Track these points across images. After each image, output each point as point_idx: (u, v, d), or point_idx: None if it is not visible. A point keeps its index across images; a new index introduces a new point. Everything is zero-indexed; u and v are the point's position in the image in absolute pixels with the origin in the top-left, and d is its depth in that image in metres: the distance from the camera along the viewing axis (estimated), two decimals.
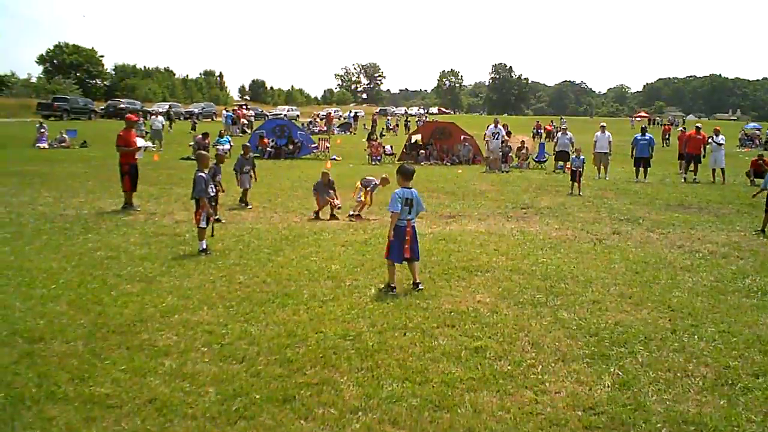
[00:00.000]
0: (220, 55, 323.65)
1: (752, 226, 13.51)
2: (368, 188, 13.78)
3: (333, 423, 4.56)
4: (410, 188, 8.09)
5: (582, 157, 18.81)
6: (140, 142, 14.41)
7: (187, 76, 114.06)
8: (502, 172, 23.85)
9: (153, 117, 34.64)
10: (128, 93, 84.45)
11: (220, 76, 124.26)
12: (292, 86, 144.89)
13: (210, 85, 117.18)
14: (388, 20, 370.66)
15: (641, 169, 22.28)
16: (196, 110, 66.37)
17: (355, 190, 14.17)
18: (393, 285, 7.94)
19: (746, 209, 15.97)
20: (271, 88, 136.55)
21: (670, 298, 7.89)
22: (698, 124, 26.22)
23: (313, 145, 29.87)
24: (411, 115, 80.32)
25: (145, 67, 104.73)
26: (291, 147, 28.28)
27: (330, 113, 57.35)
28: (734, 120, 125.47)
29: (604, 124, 24.09)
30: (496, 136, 24.14)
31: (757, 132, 57.23)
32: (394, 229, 7.97)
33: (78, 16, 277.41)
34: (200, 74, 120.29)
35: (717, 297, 8.06)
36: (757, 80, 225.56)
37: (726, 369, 5.70)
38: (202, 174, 9.95)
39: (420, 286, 7.98)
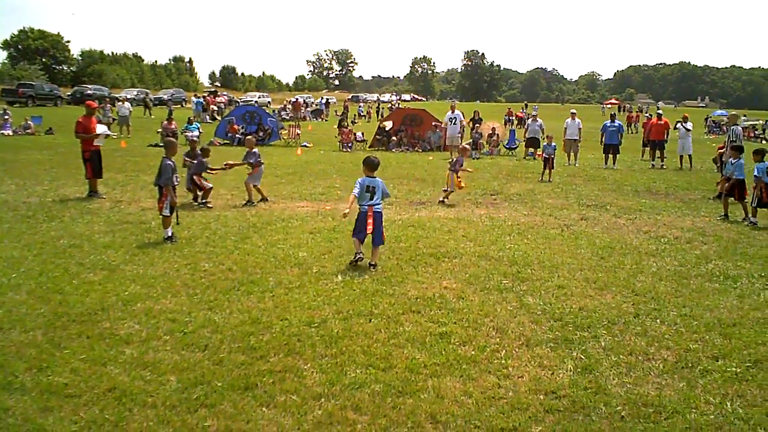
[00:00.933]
0: (190, 40, 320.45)
1: (717, 211, 13.71)
2: (455, 169, 14.03)
3: (295, 410, 4.53)
4: (374, 177, 8.71)
5: (554, 144, 18.92)
6: (100, 128, 14.09)
7: (156, 61, 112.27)
8: (474, 158, 23.86)
9: (119, 103, 34.03)
10: (95, 79, 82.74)
11: (190, 62, 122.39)
12: (264, 72, 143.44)
13: (179, 71, 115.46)
14: (360, 6, 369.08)
15: (610, 156, 22.48)
16: (166, 96, 65.46)
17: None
18: (358, 251, 8.50)
19: (712, 195, 16.20)
20: (242, 74, 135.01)
21: (635, 283, 7.98)
22: (659, 111, 26.52)
23: (283, 131, 29.70)
24: (383, 102, 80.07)
25: (112, 52, 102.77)
26: (261, 134, 28.03)
27: (298, 100, 56.69)
28: (703, 107, 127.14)
29: (575, 111, 24.25)
30: (454, 121, 24.06)
31: (724, 119, 58.14)
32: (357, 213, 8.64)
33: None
34: (169, 60, 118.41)
35: (680, 281, 8.17)
36: (725, 68, 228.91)
37: (686, 352, 5.78)
38: (170, 162, 9.77)
39: (374, 268, 8.33)
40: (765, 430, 4.38)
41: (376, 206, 8.57)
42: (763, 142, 42.04)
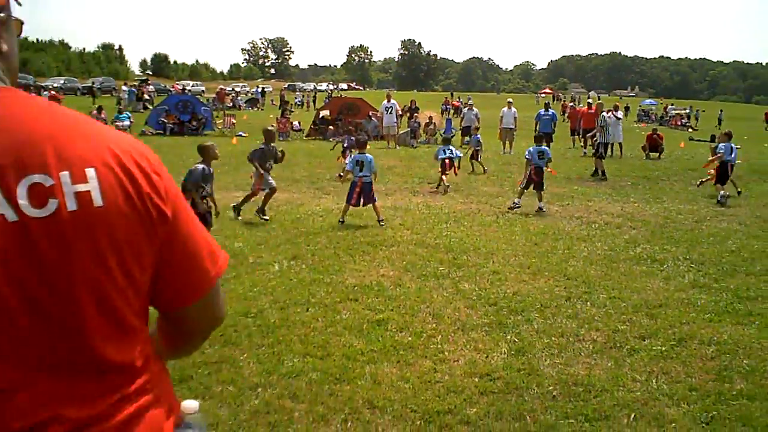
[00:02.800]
0: (120, 27, 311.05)
1: (645, 197, 14.20)
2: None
3: (231, 400, 4.50)
4: (364, 153, 10.82)
5: (478, 135, 19.14)
6: None
7: (84, 49, 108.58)
8: (412, 147, 23.97)
9: (44, 92, 32.88)
10: (20, 67, 79.59)
11: (120, 49, 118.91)
12: (197, 60, 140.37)
13: (109, 59, 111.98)
14: None
15: (544, 144, 22.89)
16: (96, 85, 63.52)
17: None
18: (341, 219, 10.48)
19: (641, 182, 16.77)
20: (175, 62, 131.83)
21: (566, 267, 8.19)
22: (589, 100, 27.23)
23: (217, 120, 29.27)
24: (320, 91, 79.56)
25: (38, 39, 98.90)
26: (195, 123, 27.52)
27: (222, 90, 54.99)
28: (633, 96, 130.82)
29: (511, 101, 24.60)
30: (389, 110, 24.16)
31: (652, 108, 60.11)
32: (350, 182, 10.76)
33: None
34: (98, 47, 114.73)
35: (610, 265, 8.43)
36: (654, 58, 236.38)
37: (615, 332, 5.98)
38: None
39: (381, 223, 10.36)
40: (687, 404, 4.58)
41: (365, 177, 10.46)
42: (690, 130, 43.67)
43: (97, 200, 1.19)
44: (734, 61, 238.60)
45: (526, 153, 12.70)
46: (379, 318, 6.16)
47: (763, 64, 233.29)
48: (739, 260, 8.81)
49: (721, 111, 53.47)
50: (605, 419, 4.35)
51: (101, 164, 1.22)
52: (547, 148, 13.55)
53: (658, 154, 22.78)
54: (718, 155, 14.15)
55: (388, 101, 24.20)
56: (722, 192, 13.76)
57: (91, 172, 1.20)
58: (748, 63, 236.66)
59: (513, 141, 23.56)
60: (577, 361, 5.30)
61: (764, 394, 4.77)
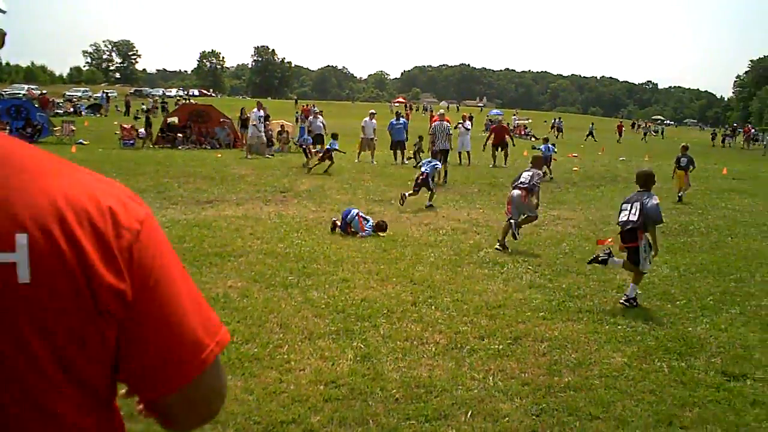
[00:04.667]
0: None
1: (490, 203, 14.89)
2: None
3: None
4: None
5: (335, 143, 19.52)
6: None
7: None
8: (266, 156, 23.71)
9: None
10: None
11: None
12: (32, 62, 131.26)
13: None
14: None
15: (398, 152, 23.44)
16: None
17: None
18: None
19: (486, 188, 17.58)
20: (8, 63, 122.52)
21: (414, 273, 8.42)
22: (441, 111, 28.25)
23: (55, 128, 27.47)
24: (170, 97, 76.98)
25: None
26: (29, 130, 25.66)
27: (45, 95, 50.44)
28: (481, 106, 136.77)
29: (374, 112, 24.96)
30: (261, 120, 23.93)
31: (499, 117, 63.14)
32: None
33: None
34: None
35: (454, 269, 8.76)
36: (501, 70, 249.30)
37: (457, 334, 6.22)
38: None
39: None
40: (520, 398, 4.85)
41: None
42: (533, 139, 46.27)
43: (23, 276, 0.96)
44: (572, 75, 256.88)
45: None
46: None
47: (598, 78, 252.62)
48: (571, 261, 9.45)
49: (592, 124, 57.45)
50: (444, 418, 4.52)
51: (37, 229, 0.97)
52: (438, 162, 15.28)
53: (504, 154, 23.93)
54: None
55: (259, 110, 23.92)
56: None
57: (21, 239, 0.96)
58: (584, 76, 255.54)
59: (374, 150, 23.87)
60: (420, 364, 5.46)
61: (589, 385, 5.15)
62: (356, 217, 10.76)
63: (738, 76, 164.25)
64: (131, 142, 25.67)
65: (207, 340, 1.13)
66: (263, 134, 23.86)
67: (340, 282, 7.84)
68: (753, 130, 65.60)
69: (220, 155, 23.35)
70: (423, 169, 14.13)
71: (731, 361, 5.77)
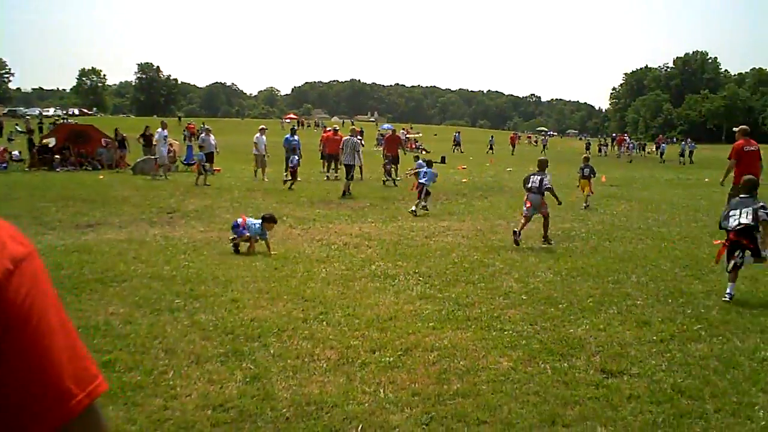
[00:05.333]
0: None
1: (382, 217, 15.03)
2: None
3: None
4: None
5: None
6: None
7: None
8: (158, 176, 22.94)
9: None
10: None
11: None
12: None
13: None
14: (15, 11, 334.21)
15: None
16: None
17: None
18: None
19: (378, 203, 17.75)
20: None
21: (305, 290, 8.35)
22: (336, 126, 28.36)
23: None
24: (47, 117, 73.37)
25: None
26: None
27: None
28: (373, 121, 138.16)
29: (265, 127, 24.63)
30: (166, 140, 23.26)
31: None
32: None
33: None
34: None
35: (346, 284, 8.76)
36: (391, 85, 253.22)
37: (348, 349, 6.20)
38: None
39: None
40: (410, 408, 4.89)
41: None
42: (424, 152, 47.18)
43: None
44: (460, 89, 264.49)
45: None
46: (105, 360, 5.75)
47: (485, 91, 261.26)
48: (460, 271, 9.66)
49: (492, 137, 59.02)
50: None
51: None
52: None
53: (395, 166, 24.25)
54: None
55: (164, 129, 23.16)
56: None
57: None
58: (472, 90, 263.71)
59: (266, 167, 23.57)
60: (311, 381, 5.40)
61: (477, 391, 5.26)
62: (239, 220, 10.91)
63: (614, 88, 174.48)
64: (4, 165, 24.26)
65: (75, 390, 1.07)
66: (166, 155, 23.15)
67: (229, 303, 7.67)
68: (628, 140, 69.79)
69: (102, 177, 22.43)
70: (421, 180, 16.23)
71: (609, 359, 6.06)
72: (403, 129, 65.12)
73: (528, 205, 12.19)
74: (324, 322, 7.03)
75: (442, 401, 5.03)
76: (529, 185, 12.31)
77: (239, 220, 10.89)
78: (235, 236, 10.71)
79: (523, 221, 12.09)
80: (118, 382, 5.26)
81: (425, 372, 5.66)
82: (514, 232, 11.83)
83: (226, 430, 4.52)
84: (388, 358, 5.96)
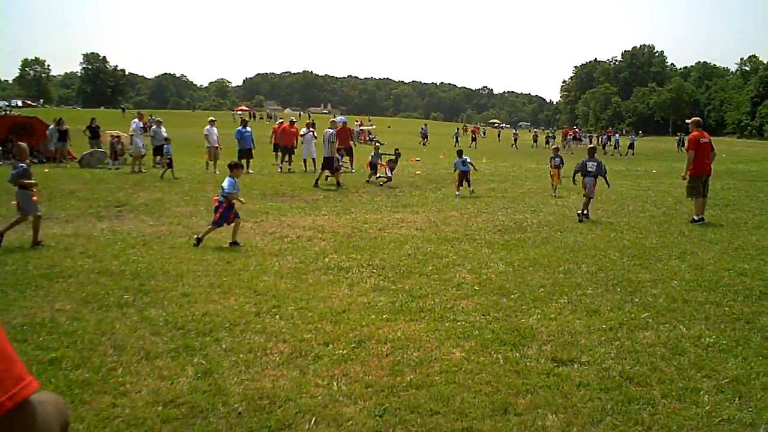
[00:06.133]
0: None
1: (336, 210, 14.98)
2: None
3: None
4: (231, 176, 11.04)
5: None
6: None
7: None
8: (111, 168, 22.44)
9: None
10: None
11: None
12: None
13: None
14: None
15: (246, 161, 22.95)
16: None
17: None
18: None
19: (332, 195, 17.67)
20: None
21: (257, 283, 8.28)
22: (292, 118, 28.11)
23: None
24: None
25: None
26: None
27: None
28: (326, 113, 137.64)
29: (214, 119, 24.18)
30: (141, 131, 22.81)
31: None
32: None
33: None
34: None
35: (299, 277, 8.71)
36: (344, 77, 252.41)
37: (301, 342, 6.17)
38: None
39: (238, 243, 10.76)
40: (364, 400, 4.88)
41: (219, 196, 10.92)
42: (378, 144, 47.24)
43: None
44: (413, 81, 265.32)
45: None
46: (51, 357, 5.62)
47: (438, 84, 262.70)
48: (414, 262, 9.69)
49: (458, 129, 59.13)
50: (288, 428, 4.46)
51: None
52: None
53: (347, 158, 24.20)
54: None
55: (140, 120, 22.64)
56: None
57: None
58: (425, 83, 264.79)
59: (218, 159, 23.23)
60: (263, 375, 5.36)
61: (430, 381, 5.29)
62: (216, 200, 11.11)
63: (564, 81, 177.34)
64: None
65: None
66: (143, 147, 22.62)
67: (179, 297, 7.56)
68: (578, 132, 70.95)
69: (47, 170, 21.80)
70: (463, 169, 18.57)
71: (560, 347, 6.15)
72: (357, 121, 65.10)
73: (590, 186, 14.41)
74: (277, 316, 6.98)
75: (395, 393, 5.05)
76: (589, 169, 14.45)
77: (217, 199, 10.99)
78: (223, 212, 10.83)
79: (585, 200, 14.31)
80: (64, 380, 5.15)
81: (378, 364, 5.67)
82: (578, 213, 14.14)
83: (177, 426, 4.45)
84: (341, 351, 5.94)
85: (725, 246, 10.99)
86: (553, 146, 20.64)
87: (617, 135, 59.82)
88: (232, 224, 10.87)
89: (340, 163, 22.28)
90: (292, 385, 5.14)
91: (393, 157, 21.47)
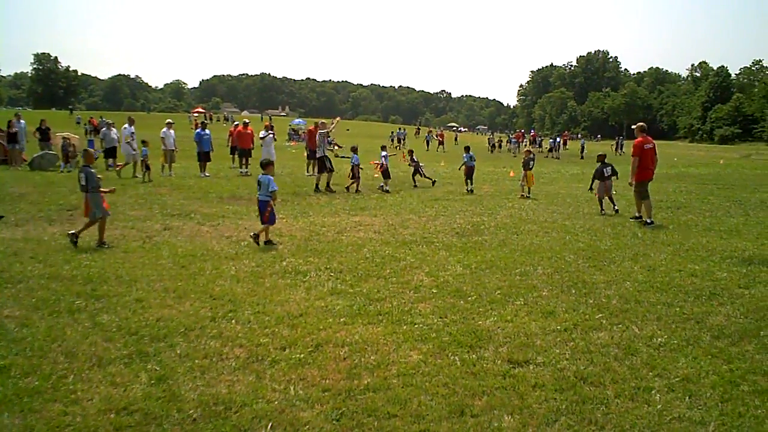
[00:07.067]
0: None
1: (294, 213, 14.89)
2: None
3: None
4: (266, 174, 11.49)
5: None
6: None
7: None
8: (65, 171, 21.86)
9: None
10: None
11: None
12: None
13: None
14: None
15: (203, 164, 22.66)
16: None
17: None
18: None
19: (291, 198, 17.57)
20: None
21: (213, 288, 8.19)
22: (246, 120, 27.82)
23: None
24: None
25: None
26: None
27: None
28: (285, 116, 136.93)
29: (171, 121, 23.76)
30: (134, 136, 22.25)
31: (302, 126, 63.66)
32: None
33: None
34: None
35: (256, 281, 8.64)
36: (302, 80, 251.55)
37: (257, 347, 6.13)
38: None
39: (255, 238, 11.20)
40: (321, 404, 4.88)
41: (261, 196, 11.47)
42: (336, 147, 47.12)
43: None
44: (372, 84, 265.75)
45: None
46: (0, 365, 5.47)
47: (396, 87, 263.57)
48: (372, 266, 9.68)
49: (429, 132, 59.09)
50: None
51: None
52: None
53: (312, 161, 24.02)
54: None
55: (131, 125, 22.06)
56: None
57: None
58: (383, 86, 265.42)
59: (174, 162, 22.87)
60: (219, 380, 5.31)
61: (387, 384, 5.30)
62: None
63: (521, 85, 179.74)
64: None
65: None
66: (137, 152, 22.05)
67: (133, 303, 7.43)
68: (535, 135, 72.10)
69: None
70: (470, 164, 20.63)
71: (516, 349, 6.22)
72: (316, 123, 64.93)
73: (603, 190, 16.19)
74: (233, 321, 6.92)
75: (352, 396, 5.05)
76: (605, 175, 16.28)
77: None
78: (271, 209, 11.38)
79: (603, 202, 16.17)
80: (13, 388, 5.03)
81: (336, 368, 5.66)
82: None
83: None
84: (298, 355, 5.92)
85: (677, 248, 11.26)
86: (526, 149, 21.57)
87: (583, 140, 61.74)
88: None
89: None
90: (248, 390, 5.10)
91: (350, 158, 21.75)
